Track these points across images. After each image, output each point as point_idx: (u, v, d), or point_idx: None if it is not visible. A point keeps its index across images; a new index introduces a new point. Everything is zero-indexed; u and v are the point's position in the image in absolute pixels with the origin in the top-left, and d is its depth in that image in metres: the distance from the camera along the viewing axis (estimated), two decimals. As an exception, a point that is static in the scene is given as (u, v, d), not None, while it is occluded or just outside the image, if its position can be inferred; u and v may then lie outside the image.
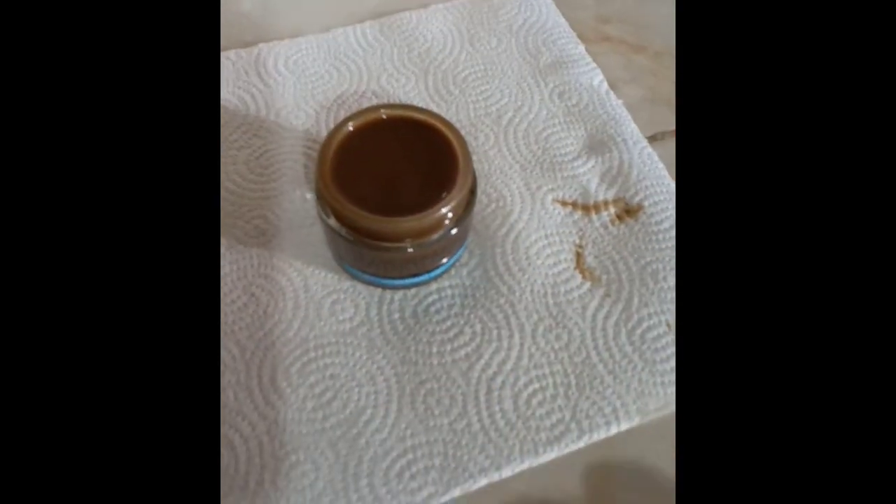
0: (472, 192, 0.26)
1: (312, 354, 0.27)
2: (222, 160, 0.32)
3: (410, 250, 0.25)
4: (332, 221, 0.25)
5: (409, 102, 0.34)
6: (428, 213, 0.24)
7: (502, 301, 0.28)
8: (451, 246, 0.27)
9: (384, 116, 0.27)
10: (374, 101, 0.34)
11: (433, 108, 0.34)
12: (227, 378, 0.26)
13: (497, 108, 0.34)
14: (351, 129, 0.26)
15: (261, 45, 0.36)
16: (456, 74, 0.35)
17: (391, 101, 0.34)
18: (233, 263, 0.29)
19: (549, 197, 0.31)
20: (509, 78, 0.35)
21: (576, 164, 0.32)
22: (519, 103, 0.34)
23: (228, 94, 0.34)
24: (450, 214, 0.25)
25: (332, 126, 0.33)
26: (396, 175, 0.26)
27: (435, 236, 0.25)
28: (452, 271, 0.29)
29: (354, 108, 0.34)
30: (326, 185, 0.25)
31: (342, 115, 0.34)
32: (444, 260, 0.28)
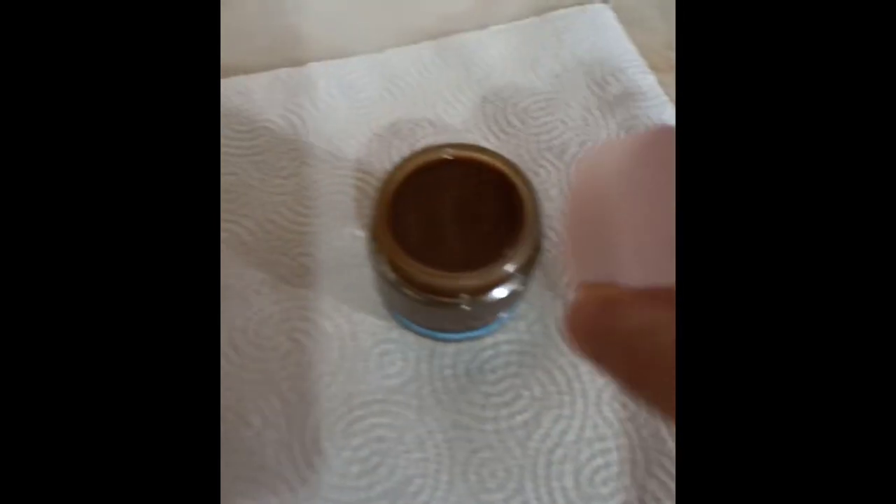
0: (538, 248, 0.24)
1: (358, 413, 0.25)
2: (268, 190, 0.30)
3: (466, 307, 0.23)
4: (386, 270, 0.23)
5: (466, 131, 0.32)
6: (488, 270, 0.22)
7: (563, 361, 0.26)
8: (510, 302, 0.25)
9: (448, 157, 0.25)
10: (430, 130, 0.32)
11: (491, 139, 0.32)
12: (267, 434, 0.24)
13: (560, 143, 0.32)
14: (411, 169, 0.24)
15: (311, 63, 0.34)
16: (516, 104, 0.33)
17: (447, 130, 0.32)
18: (276, 304, 0.27)
19: (616, 245, 0.29)
20: (573, 109, 0.33)
21: (645, 209, 0.30)
22: (583, 137, 0.32)
23: (277, 116, 0.32)
24: (512, 272, 0.23)
25: (384, 156, 0.31)
26: (458, 223, 0.24)
27: (494, 294, 0.23)
28: (510, 324, 0.27)
29: (408, 138, 0.32)
30: (382, 231, 0.23)
31: (396, 144, 0.32)
32: (502, 314, 0.26)
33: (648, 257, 0.12)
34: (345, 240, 0.29)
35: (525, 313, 0.27)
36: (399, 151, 0.32)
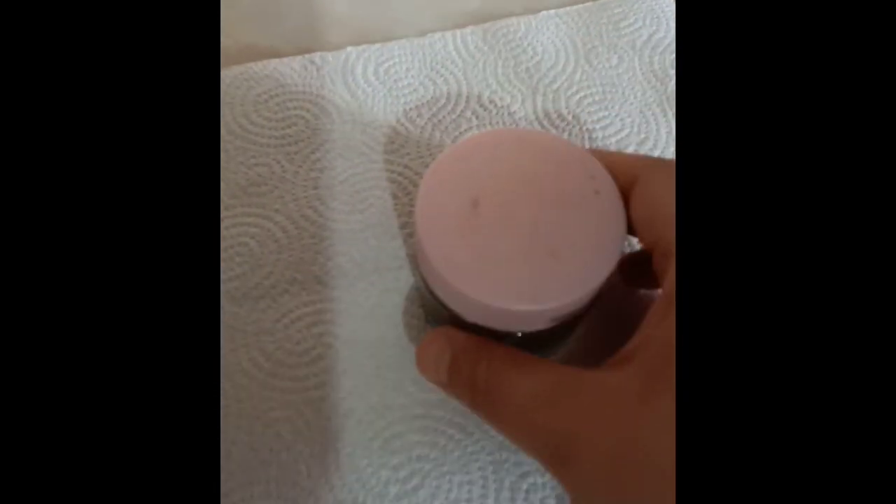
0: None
1: (397, 428, 0.23)
2: (301, 183, 0.28)
3: (519, 334, 0.20)
4: (430, 294, 0.20)
5: (513, 125, 0.30)
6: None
7: (620, 380, 0.24)
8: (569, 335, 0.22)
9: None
10: (474, 122, 0.30)
11: (541, 134, 0.30)
12: (298, 448, 0.23)
13: (617, 140, 0.29)
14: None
15: (349, 48, 0.32)
16: (569, 97, 0.31)
17: (493, 122, 0.30)
18: (308, 305, 0.25)
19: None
20: (631, 104, 0.30)
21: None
22: (643, 135, 0.29)
23: (311, 104, 0.30)
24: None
25: (424, 150, 0.29)
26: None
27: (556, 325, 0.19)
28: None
29: (451, 130, 0.30)
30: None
31: (437, 136, 0.30)
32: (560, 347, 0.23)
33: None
34: (383, 240, 0.27)
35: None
36: (441, 144, 0.29)
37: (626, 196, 0.19)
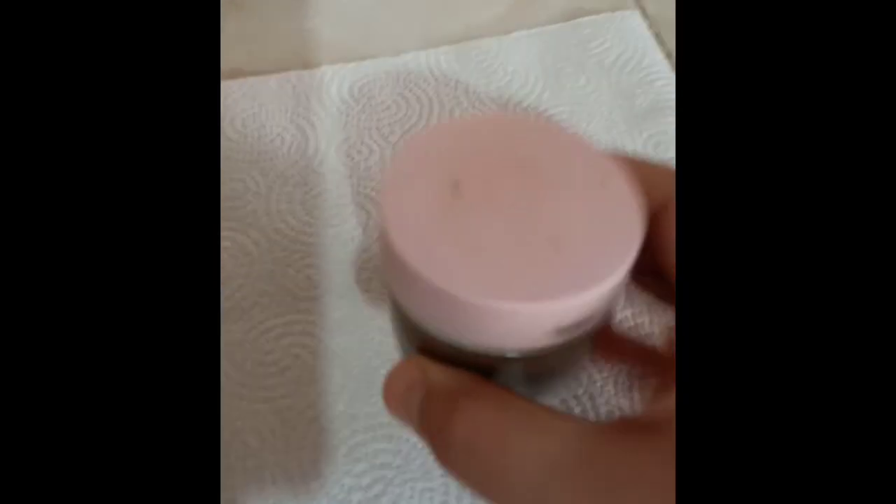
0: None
1: (361, 437, 0.23)
2: (275, 198, 0.29)
3: (516, 356, 0.15)
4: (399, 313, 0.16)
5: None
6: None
7: (580, 391, 0.25)
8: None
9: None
10: (445, 139, 0.31)
11: (510, 151, 0.30)
12: (264, 456, 0.23)
13: (583, 157, 0.30)
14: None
15: (324, 66, 0.33)
16: (538, 115, 0.31)
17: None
18: (278, 317, 0.26)
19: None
20: (598, 123, 0.31)
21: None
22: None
23: (287, 121, 0.31)
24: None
25: (397, 165, 0.30)
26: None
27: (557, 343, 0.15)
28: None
29: (423, 146, 0.31)
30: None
31: (409, 152, 0.30)
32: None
33: None
34: (354, 253, 0.28)
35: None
36: (413, 160, 0.30)
37: (659, 214, 0.15)
